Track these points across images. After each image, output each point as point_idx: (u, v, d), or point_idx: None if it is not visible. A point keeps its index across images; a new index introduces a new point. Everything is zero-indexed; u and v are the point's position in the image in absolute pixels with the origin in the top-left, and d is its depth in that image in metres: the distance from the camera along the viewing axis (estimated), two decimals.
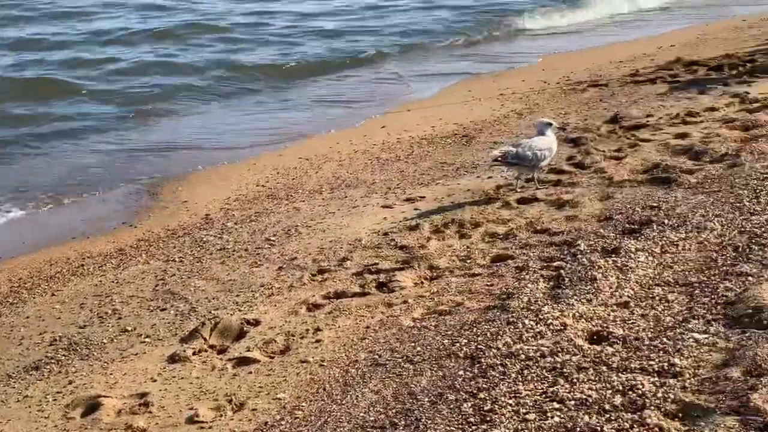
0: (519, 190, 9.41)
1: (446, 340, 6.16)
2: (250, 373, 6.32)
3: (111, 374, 6.63)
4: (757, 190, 8.08)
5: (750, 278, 6.32)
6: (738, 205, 7.82)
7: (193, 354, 6.73)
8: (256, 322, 7.08)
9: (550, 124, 9.55)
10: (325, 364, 6.22)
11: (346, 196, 10.22)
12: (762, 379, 4.93)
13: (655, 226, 7.60)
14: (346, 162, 11.83)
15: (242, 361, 6.51)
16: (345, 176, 11.14)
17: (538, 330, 6.02)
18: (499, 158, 9.23)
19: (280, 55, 20.94)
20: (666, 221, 7.68)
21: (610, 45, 20.39)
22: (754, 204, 7.78)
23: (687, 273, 6.65)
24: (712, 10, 25.12)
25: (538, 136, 9.45)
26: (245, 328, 7.02)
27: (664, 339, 5.65)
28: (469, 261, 7.65)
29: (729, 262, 6.70)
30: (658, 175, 9.09)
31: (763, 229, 7.18)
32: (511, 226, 8.33)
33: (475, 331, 6.20)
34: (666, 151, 10.00)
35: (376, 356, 6.16)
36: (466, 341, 6.07)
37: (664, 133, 10.94)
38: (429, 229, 8.56)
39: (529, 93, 15.05)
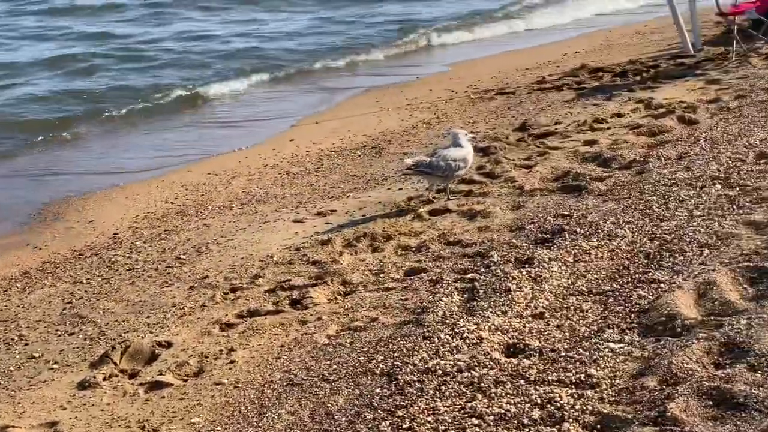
0: (432, 199, 9.37)
1: (362, 357, 6.09)
2: (163, 397, 6.18)
3: (19, 403, 6.43)
4: (666, 196, 8.15)
5: (662, 285, 6.36)
6: (648, 211, 7.88)
7: (104, 379, 6.56)
8: (168, 344, 6.93)
9: (465, 134, 9.52)
10: (239, 385, 6.11)
11: (256, 212, 10.09)
12: (678, 387, 4.94)
13: (567, 235, 7.62)
14: (256, 177, 11.70)
15: (155, 386, 6.36)
16: (255, 191, 11.01)
17: (454, 344, 5.98)
18: (412, 167, 9.20)
19: (183, 75, 20.57)
20: (578, 230, 7.70)
21: (516, 52, 20.46)
22: (663, 210, 7.84)
23: (600, 281, 6.67)
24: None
25: (454, 146, 9.40)
26: (157, 351, 6.86)
27: (580, 349, 5.65)
28: (382, 275, 7.59)
29: (641, 269, 6.74)
30: (568, 183, 9.13)
31: (672, 235, 7.23)
32: (424, 238, 8.28)
33: (390, 347, 6.14)
34: (575, 159, 10.04)
35: (292, 376, 6.07)
36: (382, 358, 6.01)
37: (573, 140, 11.00)
38: (341, 244, 8.48)
39: (437, 102, 15.05)
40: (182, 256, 8.88)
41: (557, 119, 12.27)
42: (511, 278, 6.90)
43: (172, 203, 10.95)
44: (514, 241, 7.73)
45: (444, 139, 11.97)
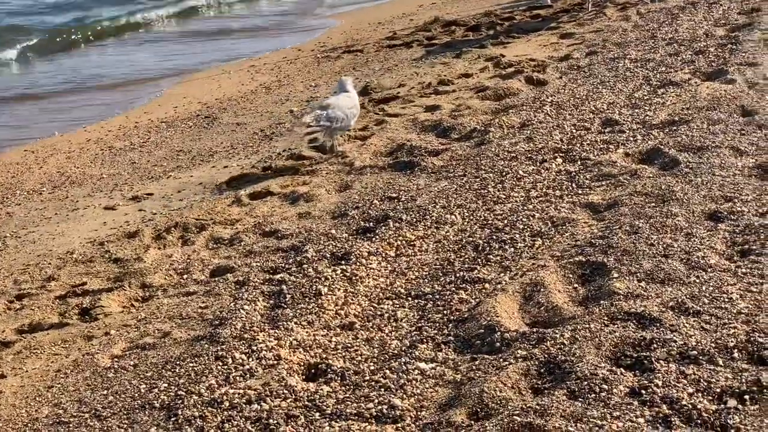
0: (339, 151, 8.88)
1: (143, 385, 5.27)
2: None
3: None
4: (503, 173, 7.48)
5: (486, 286, 5.67)
6: (482, 192, 7.20)
7: None
8: None
9: (351, 81, 9.09)
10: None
11: (67, 197, 9.16)
12: (487, 423, 4.24)
13: (391, 223, 6.88)
14: (76, 154, 10.73)
15: None
16: (71, 171, 10.05)
17: (248, 367, 5.21)
18: (312, 124, 8.56)
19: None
20: (404, 216, 6.97)
21: (372, 6, 19.65)
22: (498, 190, 7.18)
23: (421, 281, 5.95)
24: None
25: (342, 93, 8.85)
26: None
27: (388, 371, 4.93)
28: (186, 276, 6.76)
29: (467, 265, 6.05)
30: (401, 159, 8.39)
31: (505, 221, 6.56)
32: (239, 228, 7.48)
33: (178, 371, 5.34)
34: (414, 128, 9.31)
35: (61, 411, 5.22)
36: (165, 386, 5.20)
37: (415, 105, 10.27)
38: (150, 236, 7.63)
39: (281, 63, 14.19)
40: None
41: (402, 81, 11.54)
42: (323, 279, 6.14)
43: None
44: (333, 231, 6.96)
45: (281, 107, 11.17)
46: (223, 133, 10.53)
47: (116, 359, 5.69)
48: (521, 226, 6.42)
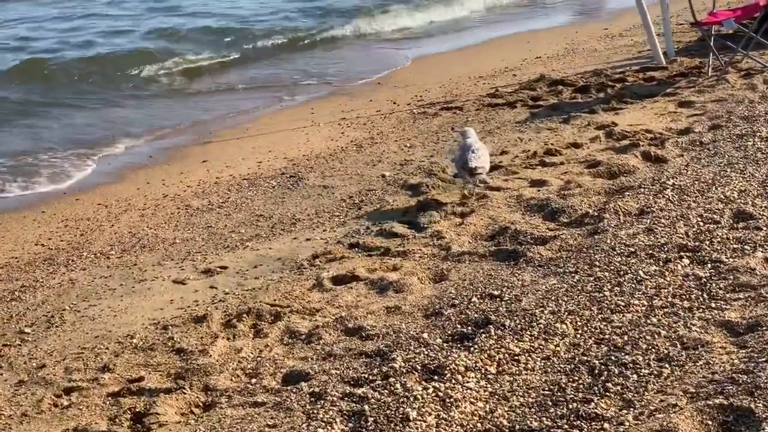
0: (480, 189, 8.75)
1: None
2: None
3: None
4: (621, 273, 6.53)
5: (606, 426, 4.74)
6: (597, 295, 6.25)
7: None
8: None
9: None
10: None
11: (135, 264, 8.37)
12: None
13: (492, 330, 5.96)
14: (150, 212, 9.96)
15: None
16: (143, 232, 9.28)
17: None
18: (479, 166, 8.54)
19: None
20: (507, 321, 6.04)
21: (472, 51, 18.79)
22: (616, 295, 6.22)
23: (527, 411, 5.04)
24: None
25: (469, 140, 8.71)
26: None
27: None
28: (255, 380, 5.89)
29: (581, 394, 5.11)
30: (504, 246, 7.47)
31: (626, 337, 5.61)
32: (318, 320, 6.60)
33: None
34: (518, 207, 8.37)
35: None
36: None
37: (519, 178, 9.33)
38: (219, 322, 6.80)
39: (374, 117, 13.34)
40: (27, 329, 7.18)
41: (504, 147, 10.61)
42: (412, 399, 5.25)
43: (43, 245, 9.20)
44: (425, 335, 6.05)
45: (372, 169, 10.34)
46: (309, 197, 9.70)
47: None
48: (644, 346, 5.48)
